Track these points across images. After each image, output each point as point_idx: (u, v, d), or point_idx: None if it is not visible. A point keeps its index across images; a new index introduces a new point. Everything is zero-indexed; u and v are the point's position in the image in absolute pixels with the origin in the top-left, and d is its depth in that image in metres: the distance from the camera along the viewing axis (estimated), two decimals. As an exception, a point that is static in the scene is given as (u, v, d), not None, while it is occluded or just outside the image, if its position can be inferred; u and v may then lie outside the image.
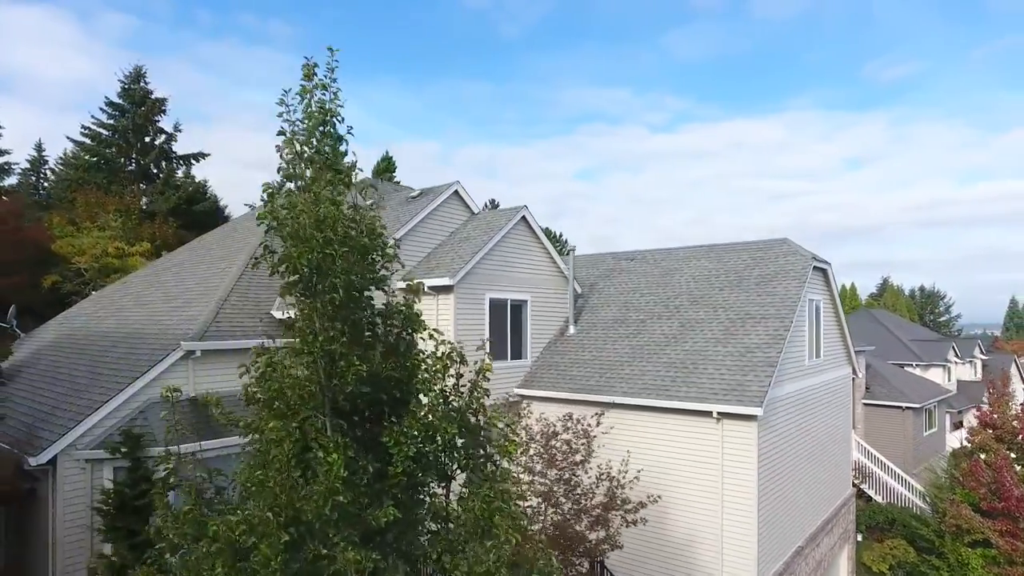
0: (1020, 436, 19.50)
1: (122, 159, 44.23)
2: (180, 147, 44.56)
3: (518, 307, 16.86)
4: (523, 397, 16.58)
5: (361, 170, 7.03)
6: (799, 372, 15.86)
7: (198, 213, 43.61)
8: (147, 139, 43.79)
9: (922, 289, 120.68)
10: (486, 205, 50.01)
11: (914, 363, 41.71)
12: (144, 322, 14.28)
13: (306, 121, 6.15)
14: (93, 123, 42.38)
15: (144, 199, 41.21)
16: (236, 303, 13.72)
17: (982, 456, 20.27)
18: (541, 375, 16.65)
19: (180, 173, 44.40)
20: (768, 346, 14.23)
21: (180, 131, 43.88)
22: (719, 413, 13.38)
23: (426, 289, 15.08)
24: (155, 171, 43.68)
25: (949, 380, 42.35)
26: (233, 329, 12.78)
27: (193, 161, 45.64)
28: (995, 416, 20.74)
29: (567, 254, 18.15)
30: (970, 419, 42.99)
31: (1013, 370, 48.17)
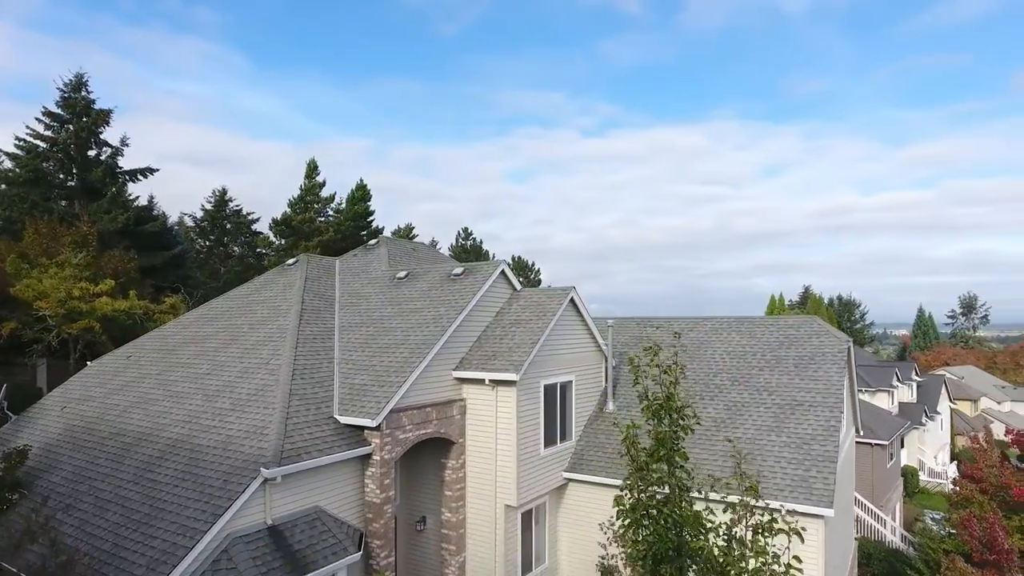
0: (1011, 492, 21.00)
1: (62, 175, 40.92)
2: (126, 161, 41.21)
3: (564, 388, 16.67)
4: (571, 481, 16.43)
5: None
6: (840, 453, 16.47)
7: (146, 234, 40.87)
8: (90, 153, 40.62)
9: (840, 298, 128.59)
10: (459, 241, 49.07)
11: (863, 389, 44.27)
12: (188, 425, 13.14)
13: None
14: (29, 134, 39.02)
15: (85, 217, 38.17)
16: (298, 407, 12.85)
17: (968, 509, 21.72)
18: (588, 458, 16.54)
19: (129, 190, 41.44)
20: (824, 438, 14.67)
21: (127, 145, 40.98)
22: (787, 511, 13.65)
23: (487, 382, 14.69)
24: (99, 188, 40.50)
25: (893, 403, 45.26)
26: (307, 445, 11.94)
27: (140, 177, 42.76)
28: (980, 470, 22.27)
29: (606, 329, 18.07)
30: (912, 440, 46.14)
31: (943, 391, 52.05)
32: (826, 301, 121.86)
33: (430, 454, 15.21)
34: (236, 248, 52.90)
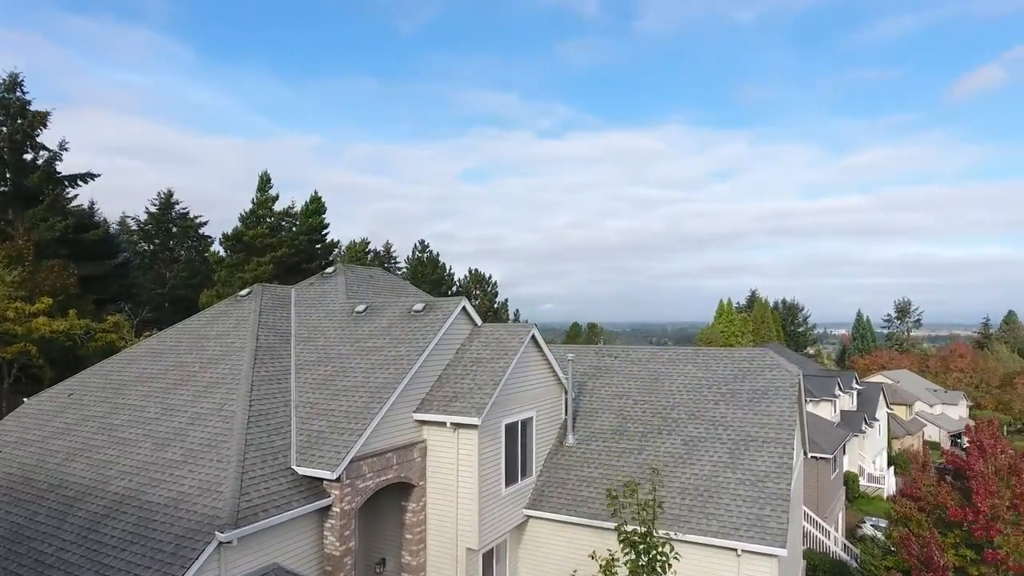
0: (947, 510, 22.06)
1: (-8, 180, 38.83)
2: (65, 166, 39.23)
3: (525, 424, 16.69)
4: (532, 518, 16.47)
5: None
6: (792, 485, 16.99)
7: (87, 243, 39.12)
8: (26, 157, 38.62)
9: (784, 301, 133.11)
10: (415, 253, 48.28)
11: (808, 399, 45.86)
12: (136, 478, 12.59)
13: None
14: (-46, 135, 36.84)
15: (21, 227, 36.27)
16: (254, 459, 12.47)
17: (907, 527, 22.75)
18: (549, 494, 16.60)
19: (68, 194, 39.54)
20: (777, 475, 15.11)
21: (67, 149, 39.14)
22: (743, 550, 14.04)
23: (448, 425, 14.59)
24: (36, 194, 38.52)
25: (835, 411, 47.02)
26: (264, 502, 11.60)
27: (81, 182, 40.89)
28: (919, 489, 23.34)
29: (566, 362, 18.16)
30: (853, 446, 47.99)
31: (880, 399, 54.36)
32: (772, 304, 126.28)
33: (390, 495, 15.00)
34: (183, 252, 51.15)
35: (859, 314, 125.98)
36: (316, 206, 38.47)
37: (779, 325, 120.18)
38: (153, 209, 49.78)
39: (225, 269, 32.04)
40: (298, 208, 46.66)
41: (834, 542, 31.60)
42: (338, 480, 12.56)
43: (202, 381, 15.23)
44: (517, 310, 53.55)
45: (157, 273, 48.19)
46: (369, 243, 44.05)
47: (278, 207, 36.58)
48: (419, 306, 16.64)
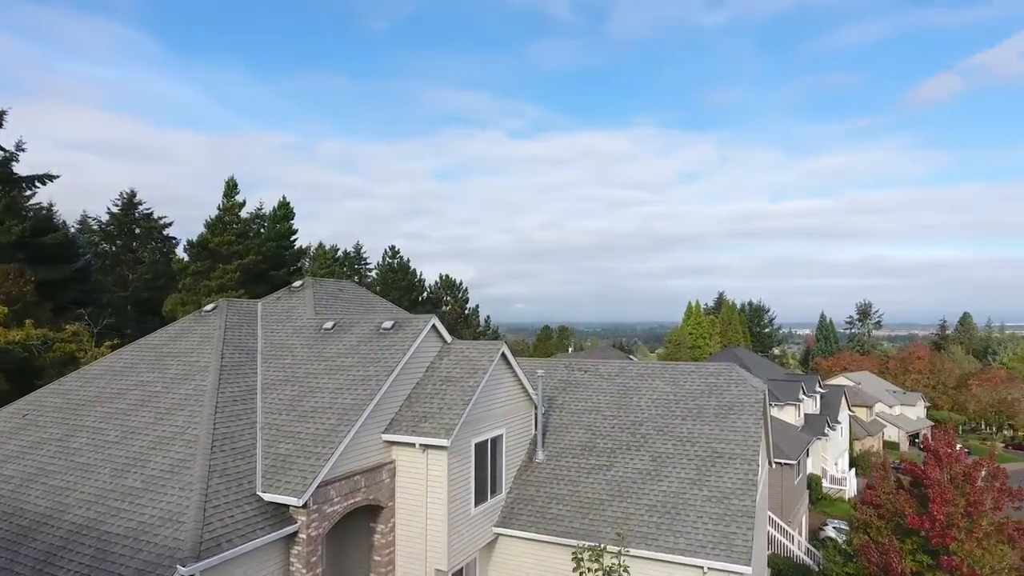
0: (905, 517, 22.63)
1: (-57, 183, 37.53)
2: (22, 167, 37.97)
3: (495, 442, 16.68)
4: (501, 536, 16.47)
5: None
6: (757, 500, 17.29)
7: (46, 246, 37.94)
8: (-23, 158, 37.32)
9: (750, 303, 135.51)
10: (385, 259, 47.91)
11: (772, 403, 46.73)
12: (95, 507, 12.24)
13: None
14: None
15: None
16: (217, 486, 12.22)
17: (868, 534, 23.33)
18: (519, 512, 16.62)
19: (27, 195, 38.31)
20: (743, 492, 15.36)
21: (24, 149, 37.94)
22: (709, 568, 14.25)
23: (417, 446, 14.52)
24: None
25: (799, 415, 48.03)
26: (228, 531, 11.38)
27: (39, 184, 39.66)
28: (879, 496, 23.93)
29: (536, 378, 18.19)
30: (816, 449, 49.06)
31: (843, 401, 55.67)
32: (738, 306, 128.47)
33: (358, 517, 14.85)
34: (147, 254, 49.92)
35: (822, 316, 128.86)
36: (284, 212, 37.86)
37: (745, 327, 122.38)
38: (115, 209, 48.50)
39: (190, 276, 31.35)
40: (267, 209, 45.91)
41: (798, 546, 32.31)
42: (305, 506, 12.40)
43: (164, 402, 14.88)
44: (488, 316, 53.61)
45: (119, 275, 46.95)
46: (338, 250, 43.54)
47: (247, 208, 35.95)
48: (388, 324, 16.50)
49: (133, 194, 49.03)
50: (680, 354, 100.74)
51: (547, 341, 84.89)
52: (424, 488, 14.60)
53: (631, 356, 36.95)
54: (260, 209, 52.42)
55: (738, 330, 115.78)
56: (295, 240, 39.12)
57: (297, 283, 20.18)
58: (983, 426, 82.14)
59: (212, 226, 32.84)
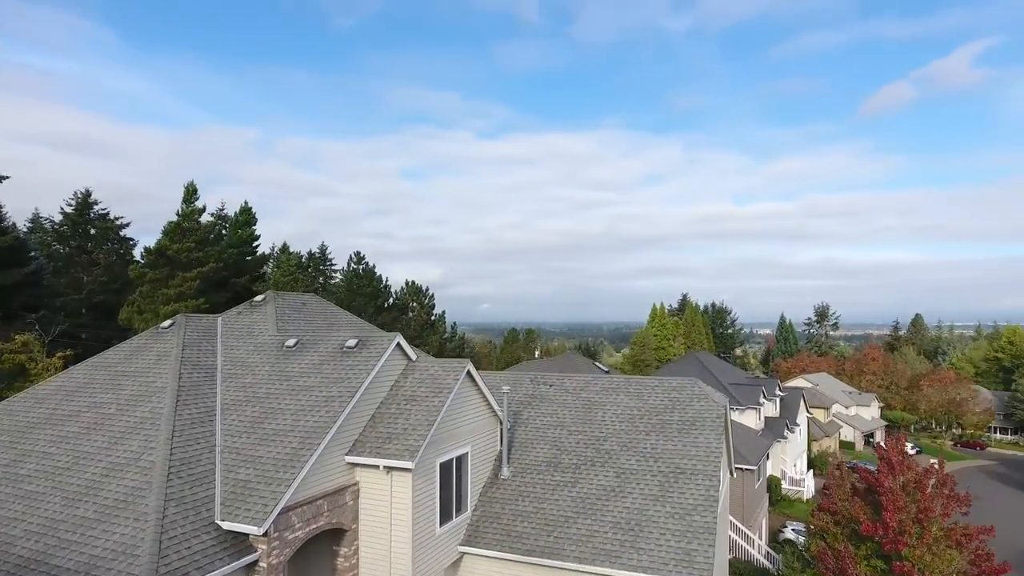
0: (860, 524, 23.28)
1: None
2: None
3: (460, 460, 16.63)
4: (467, 555, 16.44)
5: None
6: (719, 513, 17.59)
7: (-7, 251, 36.48)
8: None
9: (713, 305, 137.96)
10: (351, 265, 47.21)
11: (734, 407, 47.61)
12: (44, 539, 11.81)
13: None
14: None
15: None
16: (174, 516, 11.92)
17: (825, 541, 23.97)
18: (484, 529, 16.61)
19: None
20: (704, 508, 15.62)
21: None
22: None
23: (382, 468, 14.39)
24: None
25: (760, 419, 49.08)
26: (185, 564, 11.10)
27: (-16, 187, 38.11)
28: (835, 503, 24.57)
29: (501, 395, 18.19)
30: (775, 451, 50.16)
31: (801, 404, 57.06)
32: (702, 308, 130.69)
33: (321, 539, 14.64)
34: (102, 255, 48.40)
35: (782, 318, 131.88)
36: (247, 218, 37.08)
37: (708, 328, 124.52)
38: (69, 209, 46.92)
39: (147, 284, 30.46)
40: (229, 211, 44.84)
41: (757, 550, 33.02)
42: (265, 534, 12.18)
43: (119, 425, 14.44)
44: (455, 323, 53.26)
45: (73, 278, 45.43)
46: (302, 256, 42.87)
47: (209, 207, 35.01)
48: (352, 342, 16.30)
49: (88, 193, 47.50)
50: (645, 355, 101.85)
51: (513, 344, 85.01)
52: (388, 510, 14.48)
53: (597, 363, 37.26)
54: (222, 210, 51.20)
55: (701, 332, 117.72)
56: (257, 246, 38.34)
57: (259, 297, 19.79)
58: (933, 425, 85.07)
59: (171, 232, 31.97)
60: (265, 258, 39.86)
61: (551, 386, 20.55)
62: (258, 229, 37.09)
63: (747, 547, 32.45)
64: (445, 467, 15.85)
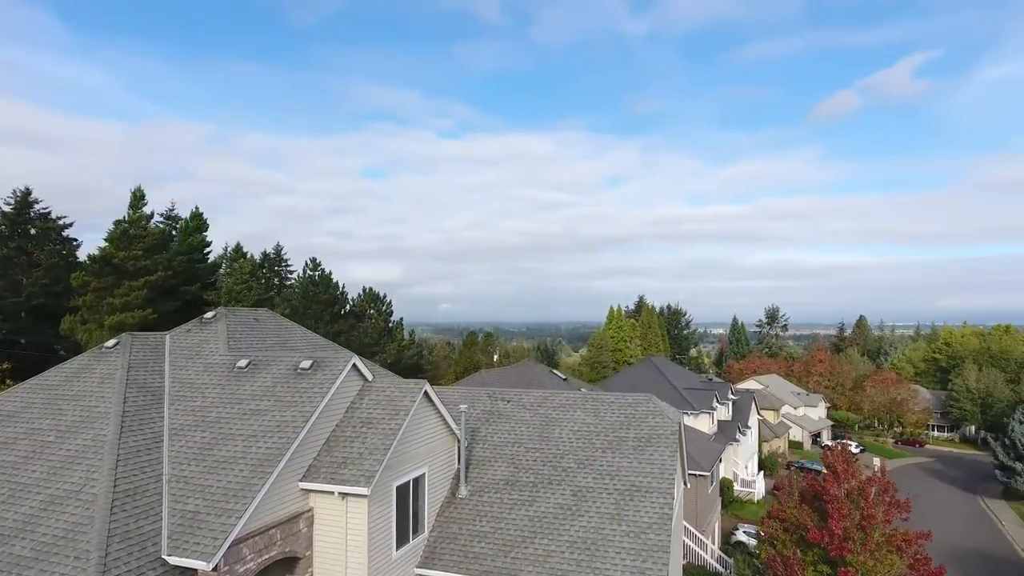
0: (807, 531, 24.02)
1: None
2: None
3: (417, 482, 16.51)
4: (424, 576, 16.34)
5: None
6: (673, 530, 17.87)
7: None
8: None
9: (669, 307, 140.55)
10: (306, 271, 46.16)
11: (688, 411, 48.56)
12: (-24, 579, 11.25)
13: None
14: None
15: None
16: (118, 552, 11.49)
17: (774, 547, 24.70)
18: (441, 551, 16.53)
19: None
20: (659, 527, 15.89)
21: None
22: None
23: (336, 494, 14.19)
24: None
25: (713, 423, 50.17)
26: (130, 604, 10.73)
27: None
28: (784, 511, 25.34)
29: (459, 414, 18.13)
30: (728, 454, 51.35)
31: (752, 407, 58.58)
32: (658, 310, 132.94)
33: (273, 568, 14.34)
34: (43, 256, 46.36)
35: (735, 319, 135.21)
36: (197, 223, 35.96)
37: (664, 330, 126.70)
38: (7, 208, 44.79)
39: (92, 293, 29.25)
40: (179, 210, 43.37)
41: (711, 555, 33.77)
42: (215, 569, 11.86)
43: (59, 454, 13.84)
44: (412, 331, 52.67)
45: (12, 280, 43.38)
46: (256, 262, 41.85)
47: (161, 205, 33.80)
48: (307, 363, 16.00)
49: (28, 192, 45.43)
50: (602, 356, 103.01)
51: (472, 347, 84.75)
52: (344, 536, 14.27)
53: (555, 371, 37.49)
54: (172, 210, 49.53)
55: (657, 333, 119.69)
56: (208, 253, 37.29)
57: (209, 314, 19.25)
58: (876, 424, 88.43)
59: (117, 239, 30.78)
60: (217, 265, 38.75)
61: (509, 402, 20.58)
62: (211, 230, 36.20)
63: (701, 552, 33.15)
64: (402, 489, 15.71)
